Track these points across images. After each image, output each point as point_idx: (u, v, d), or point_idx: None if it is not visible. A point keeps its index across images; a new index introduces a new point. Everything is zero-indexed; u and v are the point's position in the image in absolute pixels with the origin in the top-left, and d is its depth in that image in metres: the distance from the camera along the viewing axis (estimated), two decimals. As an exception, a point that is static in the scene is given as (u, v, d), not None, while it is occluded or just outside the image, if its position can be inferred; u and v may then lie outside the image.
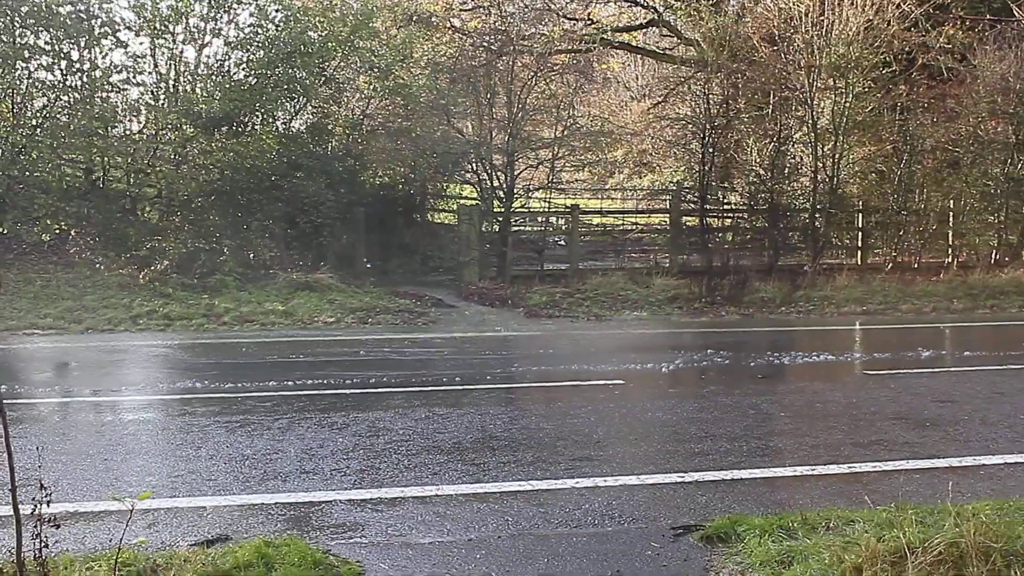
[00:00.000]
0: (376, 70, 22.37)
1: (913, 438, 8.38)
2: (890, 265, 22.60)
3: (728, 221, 24.51)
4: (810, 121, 21.96)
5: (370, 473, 7.33)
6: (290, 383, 11.05)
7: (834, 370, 12.51)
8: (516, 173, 22.37)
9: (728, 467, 7.48)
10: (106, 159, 20.92)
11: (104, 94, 20.67)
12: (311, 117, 22.78)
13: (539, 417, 9.39)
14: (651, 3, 29.74)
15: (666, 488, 6.97)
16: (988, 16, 23.58)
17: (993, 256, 23.27)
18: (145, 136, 21.53)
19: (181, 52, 21.56)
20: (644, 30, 32.39)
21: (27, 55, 19.77)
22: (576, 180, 30.56)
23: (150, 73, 21.31)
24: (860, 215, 23.66)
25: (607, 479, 7.14)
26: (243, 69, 21.63)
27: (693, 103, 24.65)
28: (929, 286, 20.27)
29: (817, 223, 22.52)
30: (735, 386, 11.00)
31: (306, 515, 6.40)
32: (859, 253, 23.73)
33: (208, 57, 21.81)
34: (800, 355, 13.53)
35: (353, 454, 7.84)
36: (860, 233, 23.84)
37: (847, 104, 21.94)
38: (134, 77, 20.84)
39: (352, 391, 10.68)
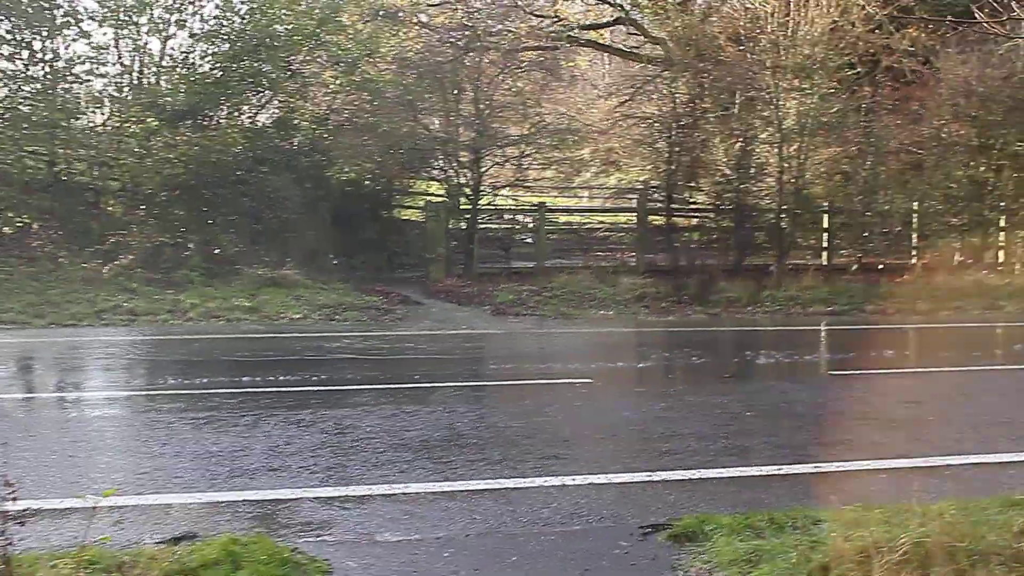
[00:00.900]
0: (342, 64, 22.31)
1: (879, 438, 8.44)
2: (855, 266, 22.78)
3: (694, 220, 24.60)
4: (776, 121, 22.04)
5: (338, 471, 7.30)
6: (257, 379, 11.01)
7: (800, 370, 12.61)
8: (483, 170, 22.34)
9: (696, 466, 7.50)
10: (69, 151, 20.76)
11: (67, 85, 20.49)
12: (277, 111, 22.70)
13: (507, 415, 9.40)
14: (618, 1, 29.76)
15: (634, 487, 7.00)
16: (950, 19, 23.74)
17: (956, 258, 23.49)
18: (109, 128, 21.36)
19: (145, 43, 21.42)
20: (611, 28, 32.42)
21: (-12, 44, 19.56)
22: (543, 178, 30.52)
23: (114, 64, 21.18)
24: (826, 216, 23.81)
25: (575, 478, 7.15)
26: (208, 62, 21.52)
27: (659, 102, 24.72)
28: (894, 287, 20.42)
29: (783, 223, 22.63)
30: (702, 385, 11.07)
31: (273, 513, 6.37)
32: (825, 253, 23.88)
33: (173, 49, 21.69)
34: (766, 355, 13.63)
35: (320, 451, 7.82)
36: (826, 234, 23.99)
37: (812, 105, 22.03)
38: (97, 68, 20.68)
39: (319, 388, 10.65)
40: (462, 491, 6.85)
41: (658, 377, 12.18)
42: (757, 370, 12.49)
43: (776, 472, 7.39)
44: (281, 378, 11.15)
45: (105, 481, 6.94)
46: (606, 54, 35.20)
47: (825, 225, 23.93)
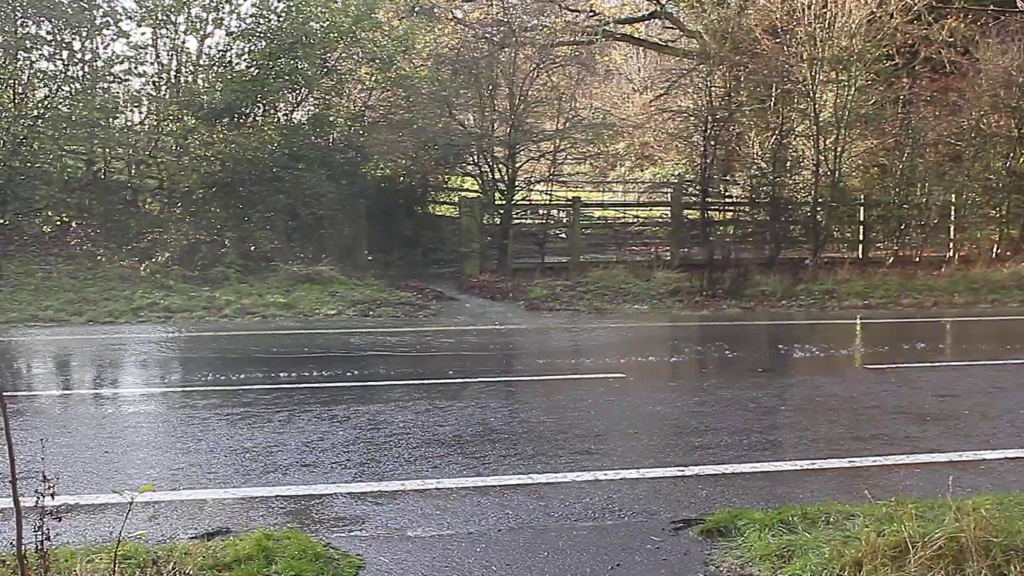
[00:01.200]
0: (378, 61, 22.35)
1: (913, 432, 8.38)
2: (891, 259, 22.60)
3: (729, 214, 24.50)
4: (812, 114, 21.90)
5: (370, 466, 7.33)
6: (291, 375, 11.07)
7: (835, 364, 12.52)
8: (517, 165, 22.37)
9: (728, 461, 7.48)
10: (107, 150, 21.00)
11: (106, 85, 20.70)
12: (313, 108, 22.76)
13: (539, 410, 9.39)
14: (653, -5, 29.73)
15: (666, 482, 6.97)
16: (991, 8, 23.50)
17: (995, 250, 23.26)
18: (147, 127, 21.60)
19: (183, 42, 21.60)
20: (646, 22, 32.34)
21: (28, 45, 19.76)
22: (577, 173, 30.53)
23: (152, 64, 21.38)
24: (862, 209, 23.64)
25: (607, 472, 7.14)
26: (245, 60, 21.62)
27: (695, 95, 24.60)
28: (930, 280, 20.25)
29: (819, 216, 22.48)
30: (735, 379, 11.02)
31: (306, 508, 6.40)
32: (860, 247, 23.72)
33: (210, 47, 21.84)
34: (801, 349, 13.55)
35: (353, 447, 7.85)
36: (861, 227, 23.83)
37: (849, 97, 21.88)
38: (136, 68, 20.88)
39: (353, 384, 10.69)
40: (494, 486, 6.86)
41: (691, 371, 12.14)
42: (791, 364, 12.42)
43: (810, 467, 7.34)
44: (315, 374, 11.20)
45: (141, 477, 7.01)
46: (641, 48, 35.13)
47: (861, 218, 23.77)
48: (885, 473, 7.16)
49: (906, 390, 10.31)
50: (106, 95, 20.64)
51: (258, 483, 6.91)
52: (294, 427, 8.50)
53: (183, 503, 6.45)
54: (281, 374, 11.14)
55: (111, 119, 20.72)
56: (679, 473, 7.16)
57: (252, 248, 19.85)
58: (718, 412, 9.21)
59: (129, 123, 21.79)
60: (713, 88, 23.28)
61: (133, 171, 21.40)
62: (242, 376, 11.04)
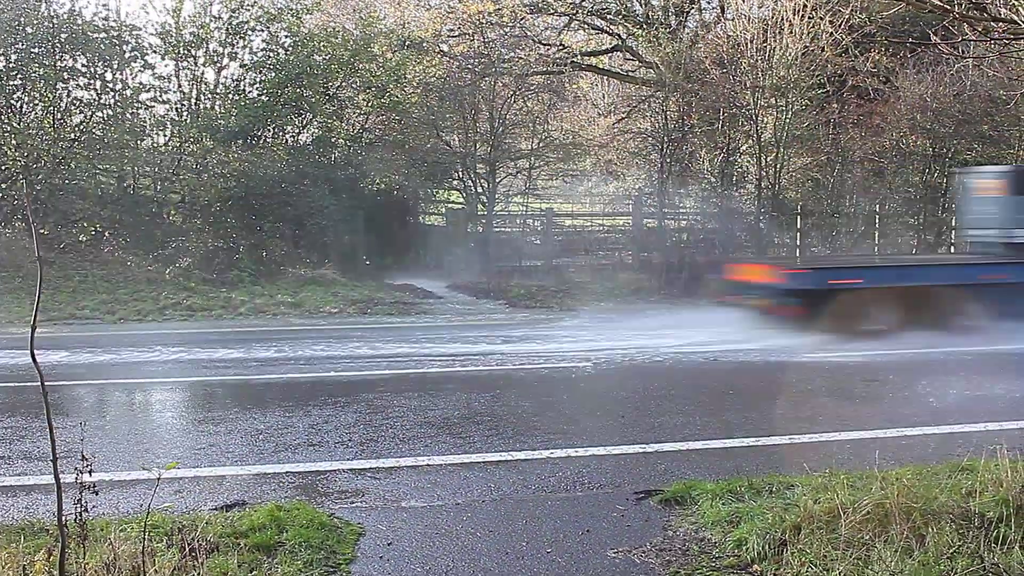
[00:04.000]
0: (374, 89, 22.28)
1: (844, 412, 8.42)
2: (824, 261, 22.68)
3: (683, 223, 24.50)
4: (755, 135, 21.93)
5: (369, 445, 7.31)
6: (300, 366, 11.02)
7: (775, 353, 12.53)
8: (497, 180, 22.39)
9: (684, 439, 7.49)
10: (136, 169, 20.88)
11: (134, 111, 20.60)
12: (317, 131, 22.68)
13: (518, 396, 9.38)
14: (616, 30, 29.66)
15: (630, 457, 6.98)
16: (909, 42, 23.59)
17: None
18: (170, 148, 21.48)
19: (202, 73, 21.52)
20: (609, 54, 32.28)
21: (66, 76, 19.66)
22: (550, 186, 30.43)
23: (175, 92, 21.25)
24: (798, 217, 23.71)
25: (578, 450, 7.14)
26: (257, 89, 21.55)
27: (652, 119, 24.58)
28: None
29: (761, 224, 22.54)
30: (689, 368, 11.03)
31: (313, 483, 6.38)
32: (797, 251, 23.78)
33: (226, 78, 21.78)
34: (744, 340, 13.55)
35: (354, 429, 7.83)
36: (798, 233, 23.88)
37: (787, 120, 21.91)
38: (161, 96, 20.80)
39: (354, 373, 10.65)
40: (479, 462, 6.85)
41: (651, 361, 12.14)
42: (738, 353, 12.42)
43: (755, 443, 7.36)
44: (320, 364, 11.16)
45: (167, 456, 6.97)
46: (605, 77, 35.02)
47: (798, 226, 23.82)
48: (820, 448, 7.16)
49: (837, 375, 10.34)
50: (135, 120, 20.55)
51: (270, 461, 6.89)
52: (302, 411, 8.46)
53: (204, 479, 6.42)
54: (291, 364, 11.09)
55: (139, 141, 20.61)
56: (641, 450, 7.17)
57: (264, 254, 19.79)
58: (675, 396, 9.22)
59: (155, 145, 21.69)
60: (668, 112, 23.28)
61: (158, 187, 21.24)
62: (257, 367, 10.98)
